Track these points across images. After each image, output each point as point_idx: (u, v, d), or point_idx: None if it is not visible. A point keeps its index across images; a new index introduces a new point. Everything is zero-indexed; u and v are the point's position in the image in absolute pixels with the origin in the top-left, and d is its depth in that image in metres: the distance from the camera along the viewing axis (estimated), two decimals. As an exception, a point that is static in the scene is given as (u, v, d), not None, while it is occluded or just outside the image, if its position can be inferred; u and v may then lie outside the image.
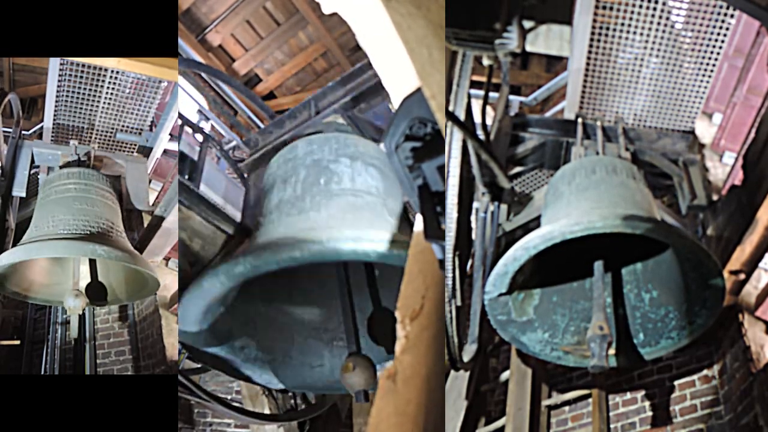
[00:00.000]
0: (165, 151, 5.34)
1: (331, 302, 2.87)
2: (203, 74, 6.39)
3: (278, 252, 2.06)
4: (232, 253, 2.43)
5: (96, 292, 3.75)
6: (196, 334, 2.43)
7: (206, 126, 6.32)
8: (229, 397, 5.10)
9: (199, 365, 4.46)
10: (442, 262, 1.22)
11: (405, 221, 2.41)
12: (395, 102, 1.23)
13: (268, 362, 2.70)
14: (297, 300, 2.86)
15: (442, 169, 1.22)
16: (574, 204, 3.03)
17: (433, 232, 1.19)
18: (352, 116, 2.94)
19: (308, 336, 2.82)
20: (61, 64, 4.39)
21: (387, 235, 2.09)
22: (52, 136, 4.74)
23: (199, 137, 4.34)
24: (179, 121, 4.85)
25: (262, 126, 6.53)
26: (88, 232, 3.59)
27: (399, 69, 1.15)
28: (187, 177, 3.79)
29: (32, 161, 4.27)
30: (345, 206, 2.33)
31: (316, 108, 3.15)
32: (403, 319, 1.21)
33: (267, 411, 4.80)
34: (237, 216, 3.00)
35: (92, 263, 3.84)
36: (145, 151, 5.05)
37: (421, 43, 1.13)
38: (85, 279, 3.81)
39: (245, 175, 3.29)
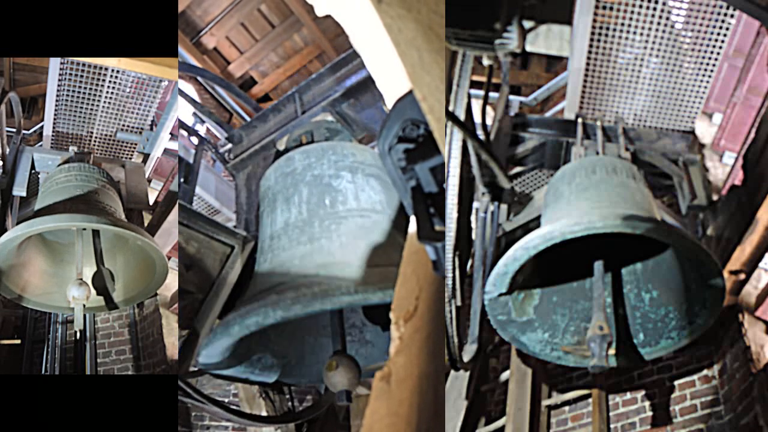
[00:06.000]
0: (165, 150, 5.35)
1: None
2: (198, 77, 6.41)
3: (304, 301, 2.00)
4: (247, 291, 2.42)
5: (102, 283, 3.64)
6: (218, 363, 2.43)
7: (201, 129, 6.32)
8: (226, 400, 5.10)
9: (196, 368, 4.44)
10: (435, 264, 1.23)
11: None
12: (389, 104, 1.23)
13: (282, 366, 2.68)
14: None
15: (434, 171, 1.23)
16: (574, 204, 3.03)
17: (426, 234, 1.19)
18: (342, 112, 2.92)
19: (319, 335, 2.79)
20: (61, 63, 4.41)
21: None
22: (52, 143, 4.75)
23: (195, 140, 4.34)
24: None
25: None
26: (92, 209, 3.56)
27: (391, 71, 1.16)
28: (182, 180, 3.79)
29: (32, 166, 4.28)
30: (355, 230, 2.31)
31: (301, 101, 3.11)
32: (397, 321, 1.21)
33: (264, 413, 4.80)
34: (232, 216, 2.99)
35: (97, 253, 3.72)
36: (145, 155, 5.06)
37: (411, 45, 1.14)
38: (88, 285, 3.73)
39: (233, 174, 3.28)
